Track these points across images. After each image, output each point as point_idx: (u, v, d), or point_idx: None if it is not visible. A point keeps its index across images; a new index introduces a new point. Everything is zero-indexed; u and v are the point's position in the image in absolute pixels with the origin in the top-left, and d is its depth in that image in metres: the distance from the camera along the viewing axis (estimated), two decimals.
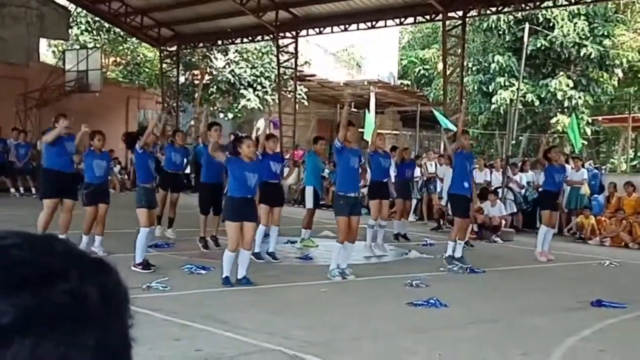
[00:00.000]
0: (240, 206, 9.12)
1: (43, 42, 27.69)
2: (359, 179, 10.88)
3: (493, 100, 27.98)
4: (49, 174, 11.36)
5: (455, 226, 11.82)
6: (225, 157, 9.45)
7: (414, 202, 18.51)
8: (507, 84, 27.70)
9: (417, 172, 19.11)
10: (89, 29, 30.41)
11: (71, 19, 27.74)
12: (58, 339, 0.62)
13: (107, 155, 11.47)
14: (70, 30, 27.76)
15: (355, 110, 33.61)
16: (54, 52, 31.54)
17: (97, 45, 29.00)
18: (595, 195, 18.58)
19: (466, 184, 11.70)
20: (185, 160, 14.63)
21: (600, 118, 28.24)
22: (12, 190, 20.76)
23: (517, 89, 23.34)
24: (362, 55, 36.77)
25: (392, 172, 14.52)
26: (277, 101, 27.71)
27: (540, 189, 14.51)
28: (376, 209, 12.75)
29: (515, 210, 17.26)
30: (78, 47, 28.79)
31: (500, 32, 28.13)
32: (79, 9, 28.80)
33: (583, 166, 18.76)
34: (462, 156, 11.81)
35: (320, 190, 14.10)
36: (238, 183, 9.18)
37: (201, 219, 12.21)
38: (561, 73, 27.71)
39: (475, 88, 28.82)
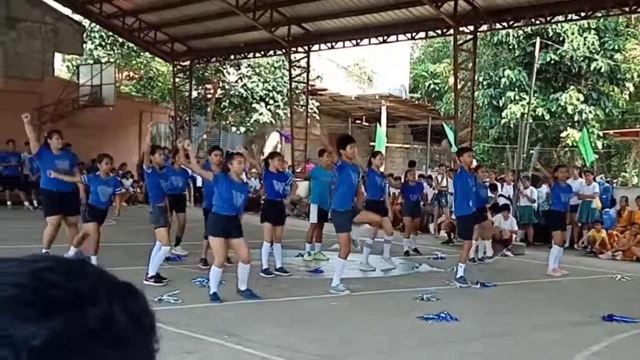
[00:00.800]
0: (225, 222, 9.08)
1: (58, 56, 27.92)
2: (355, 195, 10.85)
3: (503, 114, 28.00)
4: (46, 193, 11.46)
5: (465, 247, 11.84)
6: (213, 174, 9.48)
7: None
8: (517, 98, 27.72)
9: (428, 189, 19.26)
10: (103, 43, 30.65)
11: (85, 34, 27.96)
12: None
13: (113, 181, 11.33)
14: (84, 45, 27.99)
15: (367, 124, 33.82)
16: (68, 66, 31.81)
17: (111, 60, 29.21)
18: (607, 209, 18.54)
19: (470, 203, 11.71)
20: (188, 182, 14.46)
21: (611, 132, 28.19)
22: (26, 203, 20.91)
23: (528, 103, 23.37)
24: (373, 69, 36.87)
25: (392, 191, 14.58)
26: (289, 115, 27.82)
27: (548, 209, 14.47)
28: (377, 226, 12.85)
29: (516, 228, 17.17)
30: (92, 61, 29.02)
31: (511, 47, 28.18)
32: (93, 24, 29.07)
33: (594, 180, 18.74)
34: (464, 175, 11.82)
35: (326, 205, 14.08)
36: (224, 201, 9.13)
37: (205, 242, 12.05)
38: (572, 87, 27.70)
39: (486, 102, 28.85)
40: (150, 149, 11.35)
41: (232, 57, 28.90)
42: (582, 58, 27.05)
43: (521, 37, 27.58)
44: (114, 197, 11.32)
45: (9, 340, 0.61)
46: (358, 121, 35.52)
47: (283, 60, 28.93)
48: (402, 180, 17.01)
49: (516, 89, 27.87)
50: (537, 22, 21.36)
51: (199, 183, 22.67)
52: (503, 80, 27.98)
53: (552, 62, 27.25)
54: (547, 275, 13.02)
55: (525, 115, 24.92)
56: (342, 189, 10.32)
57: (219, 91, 31.14)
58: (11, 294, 0.64)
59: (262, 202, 12.30)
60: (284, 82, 29.41)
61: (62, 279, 0.66)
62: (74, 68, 30.03)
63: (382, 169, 13.85)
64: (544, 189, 18.71)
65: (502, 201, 17.25)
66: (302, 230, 15.02)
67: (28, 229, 14.39)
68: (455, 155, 15.23)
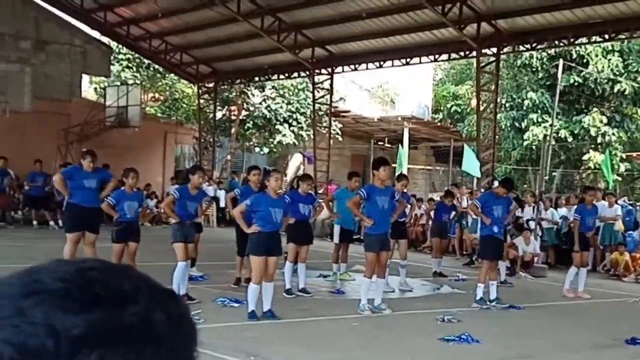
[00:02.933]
0: (267, 240, 9.26)
1: (85, 78, 28.30)
2: (389, 217, 10.88)
3: (525, 136, 27.93)
4: (70, 207, 11.67)
5: (484, 268, 11.84)
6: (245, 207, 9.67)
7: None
8: (539, 120, 27.64)
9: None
10: (130, 65, 31.02)
11: (112, 56, 28.35)
12: (124, 356, 0.65)
13: (138, 195, 11.43)
14: (111, 67, 28.36)
15: (389, 145, 33.88)
16: (95, 88, 32.23)
17: (137, 82, 29.56)
18: (630, 232, 18.43)
19: (495, 229, 11.71)
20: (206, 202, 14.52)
21: (634, 154, 28.01)
22: (52, 223, 21.15)
23: (551, 125, 23.31)
24: (396, 91, 36.99)
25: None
26: (312, 136, 27.97)
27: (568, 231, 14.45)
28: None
29: (538, 250, 17.12)
30: (119, 83, 29.40)
31: (534, 69, 28.16)
32: (120, 47, 29.48)
33: (617, 202, 18.66)
34: (492, 200, 11.88)
35: (352, 226, 14.15)
36: (264, 220, 9.31)
37: (237, 260, 12.08)
38: (595, 109, 27.61)
39: (508, 125, 28.80)
40: (191, 168, 11.77)
41: (257, 78, 29.13)
42: (605, 80, 26.97)
43: (545, 59, 27.56)
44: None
45: (51, 329, 0.64)
46: (380, 142, 35.58)
47: (307, 82, 29.10)
48: (437, 200, 17.02)
49: (539, 111, 27.81)
50: (560, 44, 21.41)
51: (222, 204, 22.87)
52: (526, 102, 27.94)
53: (576, 84, 27.16)
54: (562, 296, 13.00)
55: (548, 137, 24.84)
56: (370, 214, 10.42)
57: (243, 112, 31.36)
58: (57, 287, 0.67)
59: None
60: (308, 103, 29.58)
61: (105, 277, 0.70)
62: (101, 90, 30.42)
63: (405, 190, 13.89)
64: (564, 210, 18.66)
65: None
66: (323, 251, 15.08)
67: (53, 248, 14.52)
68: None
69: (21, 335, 0.64)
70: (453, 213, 16.21)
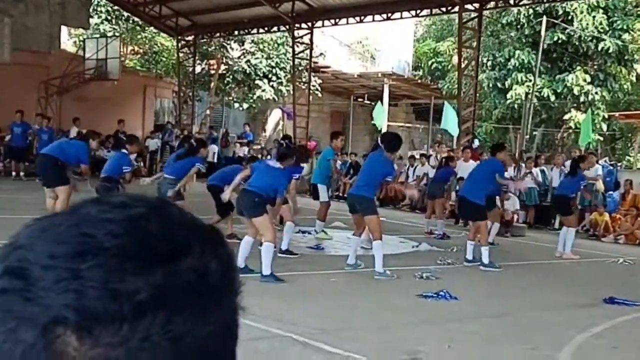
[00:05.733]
0: None
1: (64, 30, 27.85)
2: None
3: (508, 95, 27.75)
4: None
5: (484, 228, 11.67)
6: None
7: None
8: (523, 79, 27.40)
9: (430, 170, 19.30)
10: (109, 18, 30.57)
11: (92, 8, 27.90)
12: (186, 314, 0.63)
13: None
14: (90, 19, 27.93)
15: (369, 102, 33.70)
16: (75, 41, 31.72)
17: (117, 34, 29.14)
18: (610, 192, 18.46)
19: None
20: None
21: (616, 114, 28.02)
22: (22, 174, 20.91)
23: (533, 84, 23.21)
24: (376, 47, 36.70)
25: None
26: (291, 92, 27.74)
27: (557, 193, 14.39)
28: None
29: (518, 207, 17.14)
30: (98, 35, 28.94)
31: (520, 26, 27.80)
32: None
33: (597, 162, 18.66)
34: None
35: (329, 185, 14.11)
36: None
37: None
38: (578, 68, 27.46)
39: (490, 85, 28.57)
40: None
41: (236, 32, 28.78)
42: (590, 38, 26.79)
43: (531, 16, 27.19)
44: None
45: (113, 294, 0.60)
46: (360, 99, 35.39)
47: (286, 37, 28.82)
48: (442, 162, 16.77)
49: (524, 70, 27.56)
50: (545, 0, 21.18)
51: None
52: (512, 61, 27.60)
53: (560, 41, 26.95)
54: (547, 256, 13.04)
55: (530, 96, 24.77)
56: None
57: (223, 67, 31.07)
58: (112, 244, 0.62)
59: None
60: (287, 58, 29.28)
61: (159, 227, 0.65)
62: (80, 42, 29.95)
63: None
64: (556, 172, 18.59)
65: None
66: (304, 208, 14.80)
67: (31, 200, 14.28)
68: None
69: (84, 300, 0.60)
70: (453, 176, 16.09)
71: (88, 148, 12.26)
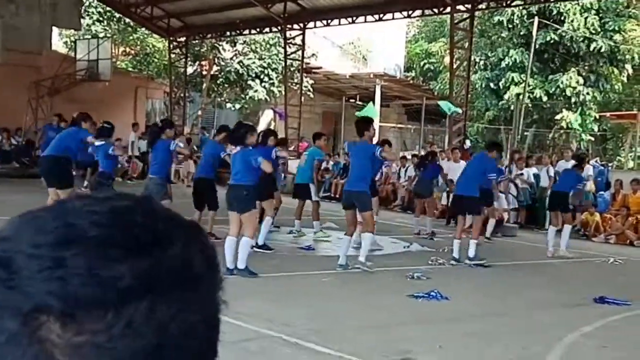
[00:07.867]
0: None
1: (55, 31, 27.79)
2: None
3: (505, 97, 27.73)
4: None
5: (479, 224, 11.75)
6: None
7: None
8: (518, 80, 27.40)
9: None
10: (100, 19, 30.53)
11: (83, 9, 27.85)
12: (170, 301, 0.63)
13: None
14: (82, 20, 27.88)
15: (361, 103, 33.68)
16: (66, 42, 31.65)
17: (108, 35, 29.09)
18: (601, 192, 18.50)
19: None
20: None
21: (607, 114, 28.10)
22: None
23: (525, 84, 23.24)
24: (368, 48, 36.73)
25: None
26: (283, 93, 27.73)
27: (557, 189, 14.38)
28: None
29: (516, 206, 17.19)
30: (89, 36, 28.88)
31: (514, 26, 27.81)
32: None
33: (588, 162, 18.67)
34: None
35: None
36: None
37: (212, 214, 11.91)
38: (571, 69, 27.50)
39: (483, 85, 28.61)
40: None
41: (228, 33, 28.76)
42: (582, 38, 26.87)
43: (524, 16, 27.22)
44: None
45: (97, 280, 0.61)
46: (352, 100, 35.38)
47: (279, 38, 28.82)
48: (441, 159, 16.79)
49: (518, 70, 27.56)
50: (536, 0, 21.22)
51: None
52: (506, 60, 27.63)
53: (552, 42, 27.02)
54: (538, 256, 13.05)
55: (521, 96, 24.80)
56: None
57: (215, 68, 31.06)
58: (95, 233, 0.63)
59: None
60: (279, 59, 29.31)
61: (143, 219, 0.66)
62: (72, 43, 29.88)
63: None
64: (534, 170, 18.65)
65: None
66: (288, 207, 14.67)
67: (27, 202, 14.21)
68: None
69: (67, 287, 0.60)
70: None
71: (82, 129, 12.21)
